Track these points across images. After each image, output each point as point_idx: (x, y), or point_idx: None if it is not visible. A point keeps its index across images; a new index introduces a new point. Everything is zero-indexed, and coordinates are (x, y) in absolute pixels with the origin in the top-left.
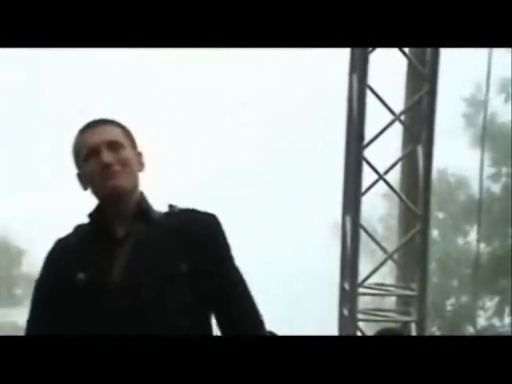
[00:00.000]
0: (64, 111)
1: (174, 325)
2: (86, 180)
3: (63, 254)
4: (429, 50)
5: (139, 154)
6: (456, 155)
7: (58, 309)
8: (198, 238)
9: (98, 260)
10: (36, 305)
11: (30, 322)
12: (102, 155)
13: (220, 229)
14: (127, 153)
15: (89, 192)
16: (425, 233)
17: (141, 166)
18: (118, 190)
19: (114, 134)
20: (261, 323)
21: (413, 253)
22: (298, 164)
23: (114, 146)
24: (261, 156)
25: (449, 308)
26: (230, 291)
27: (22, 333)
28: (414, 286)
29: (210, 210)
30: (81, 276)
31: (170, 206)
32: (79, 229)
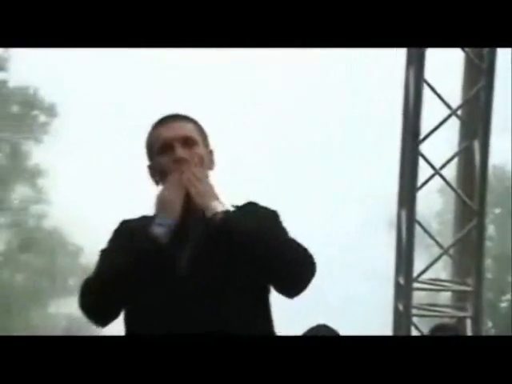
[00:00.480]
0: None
1: (231, 313)
2: (157, 174)
3: (132, 230)
4: None
5: (211, 152)
6: None
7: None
8: None
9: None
10: (106, 267)
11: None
12: (176, 151)
13: (279, 224)
14: (200, 150)
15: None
16: (481, 228)
17: (212, 163)
18: None
19: (189, 130)
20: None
21: (468, 248)
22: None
23: (188, 142)
24: (261, 155)
25: (504, 304)
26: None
27: (76, 324)
28: (469, 281)
29: None
30: None
31: (233, 205)
32: (144, 218)
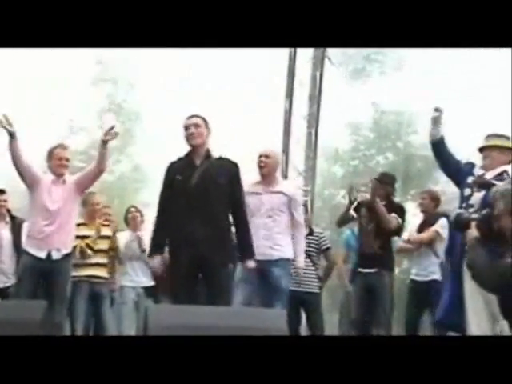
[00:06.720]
0: None
1: (216, 211)
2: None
3: (170, 166)
4: None
5: (208, 129)
6: None
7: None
8: (232, 171)
9: (186, 173)
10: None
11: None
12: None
13: (239, 171)
14: (202, 129)
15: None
16: None
17: (208, 131)
18: (196, 145)
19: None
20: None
21: None
22: None
23: (196, 126)
24: None
25: None
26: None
27: None
28: None
29: None
30: (178, 177)
31: (220, 156)
32: (175, 161)
